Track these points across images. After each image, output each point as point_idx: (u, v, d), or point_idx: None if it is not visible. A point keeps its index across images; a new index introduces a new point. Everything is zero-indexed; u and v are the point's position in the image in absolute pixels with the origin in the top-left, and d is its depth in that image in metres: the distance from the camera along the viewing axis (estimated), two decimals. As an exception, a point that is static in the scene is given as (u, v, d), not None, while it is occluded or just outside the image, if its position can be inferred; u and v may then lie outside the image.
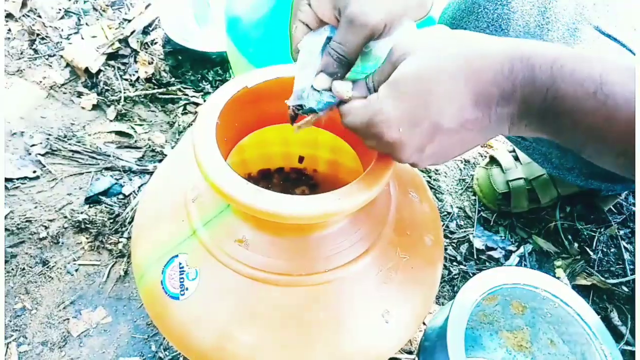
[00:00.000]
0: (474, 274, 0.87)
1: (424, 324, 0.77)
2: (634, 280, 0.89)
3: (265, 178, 0.76)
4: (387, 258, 0.55)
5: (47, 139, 0.98)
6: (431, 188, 0.99)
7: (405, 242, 0.57)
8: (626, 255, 0.92)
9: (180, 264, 0.55)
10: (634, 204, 0.98)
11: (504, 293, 0.69)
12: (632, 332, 0.83)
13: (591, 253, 0.91)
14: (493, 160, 0.99)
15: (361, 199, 0.47)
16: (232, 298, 0.52)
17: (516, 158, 0.98)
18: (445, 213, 0.95)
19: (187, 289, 0.53)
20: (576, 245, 0.93)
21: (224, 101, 0.54)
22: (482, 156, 1.05)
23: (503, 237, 0.93)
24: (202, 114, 0.53)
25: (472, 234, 0.92)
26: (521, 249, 0.91)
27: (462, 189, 0.99)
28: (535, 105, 0.37)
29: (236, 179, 0.47)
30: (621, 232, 0.95)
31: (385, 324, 0.53)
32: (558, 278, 0.88)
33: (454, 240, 0.91)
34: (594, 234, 0.94)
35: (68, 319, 0.79)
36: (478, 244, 0.91)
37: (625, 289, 0.88)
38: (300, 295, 0.52)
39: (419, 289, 0.57)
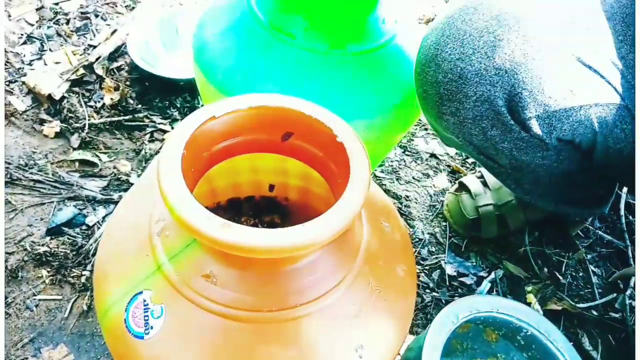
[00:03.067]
0: (446, 301, 0.87)
1: (398, 354, 0.76)
2: (602, 304, 0.90)
3: (235, 207, 0.75)
4: (359, 290, 0.54)
5: (7, 168, 0.94)
6: (402, 214, 0.99)
7: (378, 273, 0.56)
8: (594, 279, 0.93)
9: (144, 300, 0.52)
10: (600, 228, 1.00)
11: (477, 321, 0.68)
12: (603, 356, 0.83)
13: (560, 278, 0.92)
14: (462, 186, 1.00)
15: (333, 231, 0.46)
16: (200, 337, 0.50)
17: (485, 184, 0.99)
18: (417, 239, 0.95)
19: (151, 327, 0.51)
20: (546, 270, 0.93)
21: (190, 131, 0.53)
22: (451, 182, 1.06)
23: (474, 263, 0.93)
24: (167, 145, 0.51)
25: (444, 260, 0.92)
26: (492, 275, 0.91)
27: (432, 215, 1.00)
28: None
29: (203, 212, 0.46)
30: (589, 257, 0.96)
31: (359, 359, 0.52)
32: (529, 303, 0.88)
33: (426, 267, 0.91)
34: (562, 258, 0.95)
35: (27, 358, 0.75)
36: (450, 270, 0.91)
37: (595, 312, 0.89)
38: (271, 332, 0.50)
39: (393, 321, 0.56)
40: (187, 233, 0.47)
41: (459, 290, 0.89)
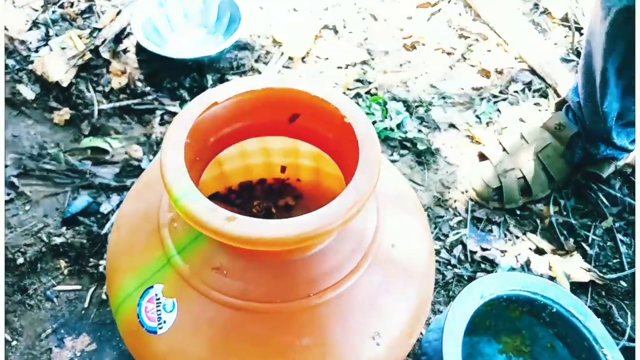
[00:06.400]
0: (469, 277, 0.84)
1: (421, 334, 0.75)
2: (632, 274, 0.86)
3: (247, 191, 0.73)
4: (374, 277, 0.52)
5: (20, 158, 0.94)
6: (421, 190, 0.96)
7: (394, 257, 0.54)
8: (623, 249, 0.89)
9: (156, 295, 0.52)
10: (629, 195, 0.96)
11: (500, 299, 0.66)
12: (633, 329, 0.81)
13: (587, 248, 0.89)
14: (482, 157, 0.97)
15: (342, 219, 0.44)
16: (212, 329, 0.49)
17: (504, 149, 0.96)
18: (437, 216, 0.92)
19: (164, 321, 0.50)
20: (572, 240, 0.90)
21: (193, 119, 0.51)
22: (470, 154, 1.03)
23: (497, 237, 0.90)
24: (169, 135, 0.49)
25: (466, 235, 0.89)
26: (516, 248, 0.89)
27: (452, 189, 0.96)
28: None
29: (207, 205, 0.44)
30: (617, 225, 0.92)
31: (376, 347, 0.50)
32: (554, 279, 0.85)
33: (447, 243, 0.89)
34: (589, 228, 0.91)
35: (51, 348, 0.76)
36: (472, 245, 0.88)
37: (624, 283, 0.85)
38: (284, 323, 0.49)
39: (411, 305, 0.54)
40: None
41: (482, 265, 0.87)
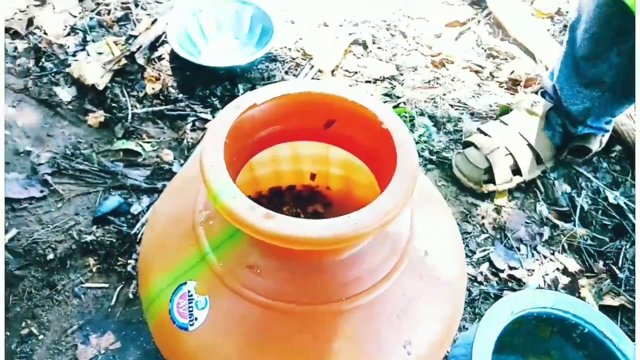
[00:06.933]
0: (495, 295, 0.83)
1: (447, 352, 0.73)
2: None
3: (277, 197, 0.74)
4: (407, 284, 0.52)
5: (54, 157, 0.96)
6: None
7: (427, 265, 0.54)
8: (655, 273, 0.88)
9: (189, 291, 0.52)
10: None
11: (529, 317, 0.65)
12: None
13: (617, 271, 0.87)
14: (467, 144, 0.99)
15: (378, 222, 0.44)
16: (243, 328, 0.49)
17: (486, 134, 0.98)
18: (464, 231, 0.92)
19: (196, 318, 0.51)
20: (601, 263, 0.89)
21: (232, 120, 0.52)
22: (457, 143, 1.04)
23: (525, 256, 0.89)
24: (209, 134, 0.50)
25: (493, 252, 0.88)
26: (544, 268, 0.87)
27: (480, 205, 0.96)
28: None
29: (246, 202, 0.45)
30: (649, 249, 0.91)
31: (407, 356, 0.50)
32: (583, 298, 0.84)
33: (474, 260, 0.88)
34: (619, 251, 0.90)
35: (76, 345, 0.76)
36: (499, 263, 0.87)
37: (656, 309, 0.84)
38: (315, 326, 0.49)
39: (443, 315, 0.53)
40: (231, 223, 0.45)
41: (509, 283, 0.85)
